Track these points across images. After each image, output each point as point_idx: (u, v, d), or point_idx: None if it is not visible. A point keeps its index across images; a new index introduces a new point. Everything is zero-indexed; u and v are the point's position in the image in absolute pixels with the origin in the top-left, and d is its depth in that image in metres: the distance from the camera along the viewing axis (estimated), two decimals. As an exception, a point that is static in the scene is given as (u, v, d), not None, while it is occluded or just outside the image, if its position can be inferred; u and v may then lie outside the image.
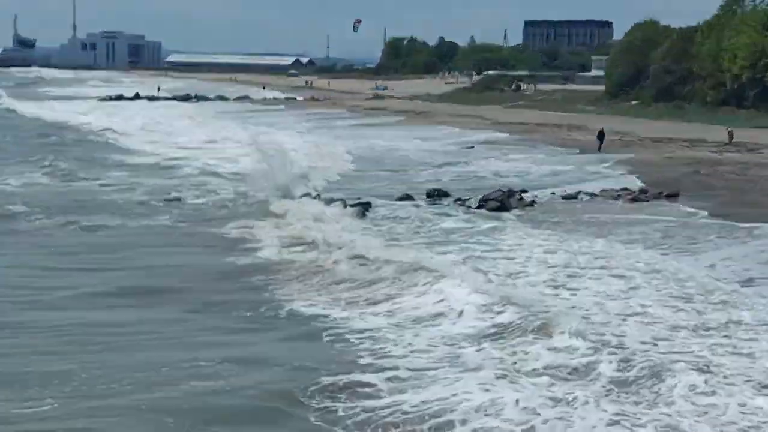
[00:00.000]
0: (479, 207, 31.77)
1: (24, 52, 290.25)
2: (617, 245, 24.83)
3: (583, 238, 25.90)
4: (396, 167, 44.82)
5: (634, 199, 33.88)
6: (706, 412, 13.05)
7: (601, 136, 52.79)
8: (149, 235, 26.62)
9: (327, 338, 16.73)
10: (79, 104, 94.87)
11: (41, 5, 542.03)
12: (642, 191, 35.38)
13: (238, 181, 37.32)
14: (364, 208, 30.92)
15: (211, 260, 23.24)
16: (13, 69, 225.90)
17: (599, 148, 51.50)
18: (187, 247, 25.04)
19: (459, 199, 33.37)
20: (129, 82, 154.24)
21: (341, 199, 32.03)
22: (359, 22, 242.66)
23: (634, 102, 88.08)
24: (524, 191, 35.00)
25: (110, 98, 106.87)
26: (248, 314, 18.42)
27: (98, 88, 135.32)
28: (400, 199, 33.76)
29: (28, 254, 23.61)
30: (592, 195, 34.89)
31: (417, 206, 32.18)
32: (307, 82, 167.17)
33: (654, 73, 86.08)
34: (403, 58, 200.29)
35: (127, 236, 26.33)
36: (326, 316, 18.03)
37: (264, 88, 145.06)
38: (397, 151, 52.40)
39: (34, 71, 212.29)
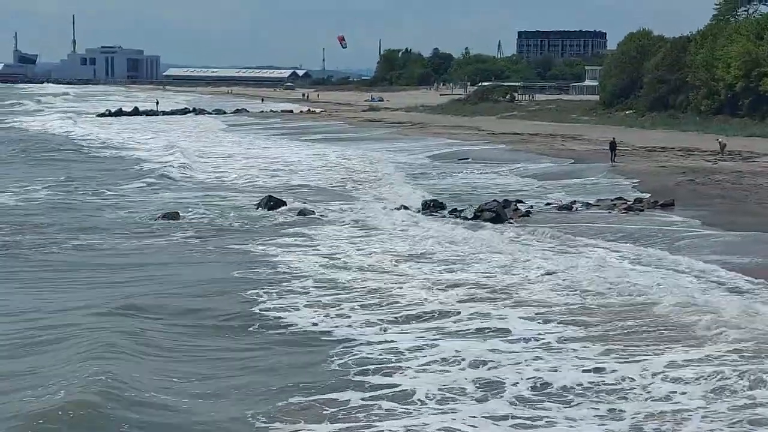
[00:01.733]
0: (475, 218, 31.94)
1: (26, 68, 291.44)
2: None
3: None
4: (392, 180, 45.24)
5: (628, 209, 33.76)
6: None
7: (612, 146, 50.46)
8: (163, 251, 26.44)
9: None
10: (84, 119, 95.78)
11: (41, 22, 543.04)
12: (637, 201, 35.42)
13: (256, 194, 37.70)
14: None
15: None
16: (20, 85, 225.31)
17: (612, 159, 49.54)
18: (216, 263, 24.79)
19: (455, 210, 33.59)
20: (145, 97, 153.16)
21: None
22: (343, 38, 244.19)
23: (628, 112, 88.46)
24: (520, 201, 35.36)
25: (109, 113, 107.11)
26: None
27: (105, 102, 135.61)
28: (395, 209, 34.09)
29: (30, 272, 23.40)
30: (588, 205, 35.17)
31: (414, 218, 32.39)
32: (303, 94, 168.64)
33: (648, 83, 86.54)
34: (399, 69, 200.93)
35: (133, 253, 26.14)
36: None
37: (263, 100, 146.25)
38: (394, 162, 52.83)
39: (50, 87, 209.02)
